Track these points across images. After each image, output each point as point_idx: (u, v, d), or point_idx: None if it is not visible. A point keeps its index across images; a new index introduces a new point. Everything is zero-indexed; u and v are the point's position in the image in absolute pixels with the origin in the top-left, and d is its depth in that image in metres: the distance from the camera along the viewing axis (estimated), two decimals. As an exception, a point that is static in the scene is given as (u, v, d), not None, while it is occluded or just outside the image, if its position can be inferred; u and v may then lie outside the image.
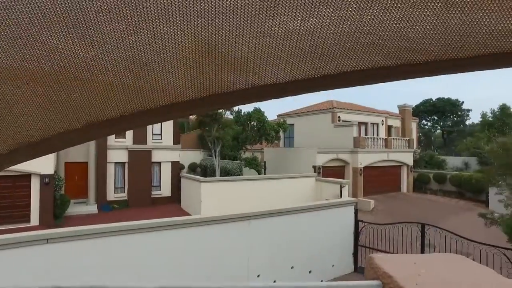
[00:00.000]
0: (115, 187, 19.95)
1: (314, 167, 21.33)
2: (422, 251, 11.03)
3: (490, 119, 30.37)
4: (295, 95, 0.84)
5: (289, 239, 9.66)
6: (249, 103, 0.87)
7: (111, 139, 19.71)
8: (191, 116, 39.48)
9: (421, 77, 0.77)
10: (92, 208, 18.12)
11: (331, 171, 21.78)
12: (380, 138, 25.97)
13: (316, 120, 27.22)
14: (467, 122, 48.45)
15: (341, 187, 14.71)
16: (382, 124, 29.04)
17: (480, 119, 32.49)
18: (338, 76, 0.77)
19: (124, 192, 20.16)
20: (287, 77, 0.77)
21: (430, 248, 11.68)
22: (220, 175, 21.89)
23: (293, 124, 29.06)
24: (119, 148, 19.87)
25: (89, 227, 6.39)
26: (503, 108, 29.64)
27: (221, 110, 21.79)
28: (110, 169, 19.71)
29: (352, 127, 24.47)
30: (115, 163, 19.91)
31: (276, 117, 31.36)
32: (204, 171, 27.84)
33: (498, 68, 0.74)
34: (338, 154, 22.93)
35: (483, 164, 22.84)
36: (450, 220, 17.96)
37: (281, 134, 27.98)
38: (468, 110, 49.43)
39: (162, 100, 0.86)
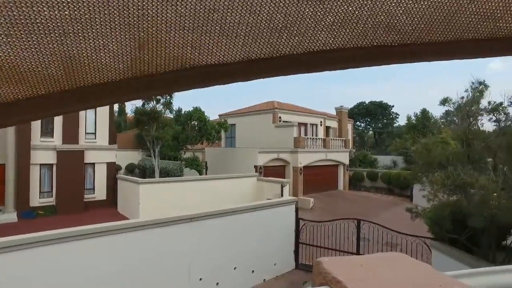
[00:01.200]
0: (40, 192, 18.07)
1: (255, 166, 21.46)
2: (358, 245, 11.64)
3: (413, 122, 33.35)
4: (247, 80, 0.66)
5: (232, 240, 9.52)
6: (186, 89, 0.67)
7: (36, 138, 17.84)
8: (128, 114, 37.48)
9: (397, 62, 0.65)
10: (11, 216, 16.19)
11: (272, 171, 22.11)
12: (319, 138, 26.97)
13: (258, 120, 27.47)
14: (395, 124, 52.60)
15: (282, 187, 14.95)
16: (321, 125, 30.24)
17: (406, 122, 35.55)
18: (302, 56, 0.61)
19: (52, 197, 18.37)
20: (237, 55, 0.60)
21: (365, 242, 12.37)
22: (160, 176, 21.02)
23: (234, 124, 29.00)
24: (45, 149, 18.03)
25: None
26: (424, 112, 32.87)
27: (160, 109, 20.94)
28: (35, 172, 17.81)
29: (292, 128, 25.09)
30: (41, 164, 18.04)
31: (218, 117, 31.08)
32: (142, 172, 26.54)
33: (478, 57, 0.66)
34: (279, 154, 23.36)
35: (408, 162, 24.93)
36: (382, 214, 19.26)
37: (223, 134, 27.77)
38: (397, 114, 53.78)
39: (71, 82, 0.62)
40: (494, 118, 9.15)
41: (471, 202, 7.61)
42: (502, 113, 8.98)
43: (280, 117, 26.68)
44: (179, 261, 8.24)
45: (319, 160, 25.73)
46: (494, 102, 9.16)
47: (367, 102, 53.82)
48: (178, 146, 22.89)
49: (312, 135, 28.36)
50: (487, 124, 9.71)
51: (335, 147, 27.75)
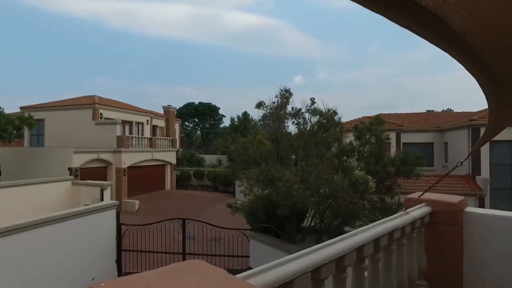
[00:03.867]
0: None
1: (70, 169, 18.71)
2: (184, 244, 11.72)
3: (236, 123, 36.56)
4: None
5: (35, 259, 7.86)
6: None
7: None
8: None
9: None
10: None
11: (92, 173, 19.77)
12: (145, 137, 26.02)
13: (74, 116, 24.10)
14: (221, 125, 56.24)
15: (102, 190, 13.50)
16: (147, 123, 29.25)
17: (230, 123, 38.62)
18: None
19: None
20: None
21: (190, 240, 12.59)
22: None
23: (43, 119, 24.52)
24: None
25: None
26: (245, 115, 36.57)
27: None
28: None
29: (115, 126, 23.21)
30: None
31: (20, 110, 25.55)
32: None
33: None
34: (99, 154, 21.13)
35: (231, 160, 27.10)
36: (208, 211, 20.12)
37: (26, 131, 23.03)
38: (223, 115, 57.48)
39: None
40: (295, 122, 10.90)
41: (279, 194, 8.76)
42: (301, 118, 10.79)
43: (101, 114, 24.20)
44: None
45: (145, 160, 24.87)
46: (296, 108, 10.90)
47: (196, 103, 55.45)
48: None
49: (138, 134, 27.15)
50: (291, 127, 11.46)
51: (162, 147, 27.41)
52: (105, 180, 18.63)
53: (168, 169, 28.33)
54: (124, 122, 25.76)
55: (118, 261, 11.08)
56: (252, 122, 34.73)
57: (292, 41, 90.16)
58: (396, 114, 26.48)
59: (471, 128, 18.30)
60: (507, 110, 1.76)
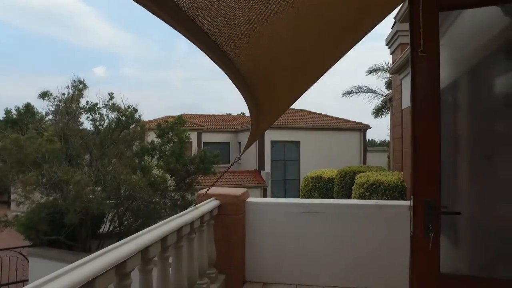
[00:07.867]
0: None
1: None
2: None
3: (15, 116, 29.76)
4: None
5: None
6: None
7: None
8: None
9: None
10: None
11: None
12: None
13: None
14: (-9, 119, 44.35)
15: None
16: None
17: (4, 116, 31.06)
18: None
19: None
20: None
21: None
22: None
23: None
24: None
25: None
26: (28, 106, 30.21)
27: None
28: None
29: None
30: None
31: None
32: None
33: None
34: None
35: (4, 162, 21.94)
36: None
37: None
38: (-7, 107, 45.37)
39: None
40: (91, 117, 9.77)
41: (67, 199, 7.58)
42: (98, 113, 9.76)
43: None
44: None
45: None
46: (91, 103, 9.78)
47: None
48: None
49: None
50: (86, 123, 10.20)
51: None
52: None
53: None
54: None
55: None
56: (38, 116, 29.13)
57: (97, 30, 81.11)
58: (198, 115, 28.10)
59: (256, 130, 21.49)
60: (262, 122, 2.28)
